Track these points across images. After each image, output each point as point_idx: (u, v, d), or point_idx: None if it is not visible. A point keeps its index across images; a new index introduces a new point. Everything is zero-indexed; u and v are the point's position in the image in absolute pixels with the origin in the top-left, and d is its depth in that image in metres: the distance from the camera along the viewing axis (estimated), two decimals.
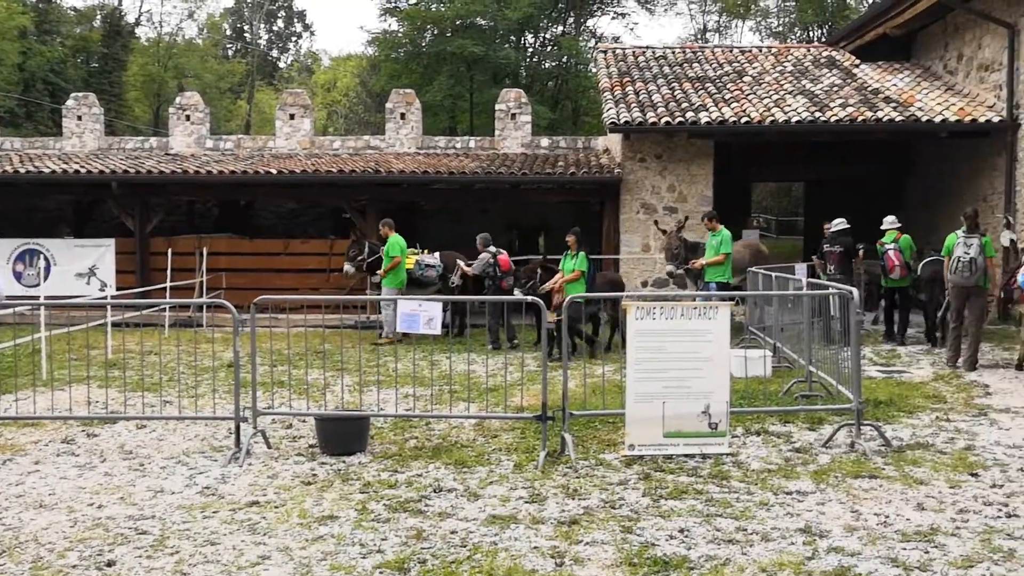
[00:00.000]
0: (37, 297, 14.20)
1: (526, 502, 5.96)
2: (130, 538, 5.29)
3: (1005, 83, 15.43)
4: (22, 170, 17.80)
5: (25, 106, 33.54)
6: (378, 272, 14.37)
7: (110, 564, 4.88)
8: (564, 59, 36.53)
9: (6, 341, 10.99)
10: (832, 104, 16.37)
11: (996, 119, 15.35)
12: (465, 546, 5.16)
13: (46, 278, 17.18)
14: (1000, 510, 5.74)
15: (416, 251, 15.18)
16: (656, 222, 14.78)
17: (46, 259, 17.56)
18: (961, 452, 7.18)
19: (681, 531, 5.38)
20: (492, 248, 13.84)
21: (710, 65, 19.27)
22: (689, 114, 16.01)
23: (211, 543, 5.21)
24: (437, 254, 14.93)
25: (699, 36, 44.10)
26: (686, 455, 6.97)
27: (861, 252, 14.29)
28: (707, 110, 16.19)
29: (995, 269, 12.46)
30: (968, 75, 16.94)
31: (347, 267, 15.08)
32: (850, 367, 7.71)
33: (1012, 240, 14.84)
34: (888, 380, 10.45)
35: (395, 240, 14.15)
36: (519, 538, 5.28)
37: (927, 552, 5.03)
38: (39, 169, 17.80)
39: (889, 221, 13.56)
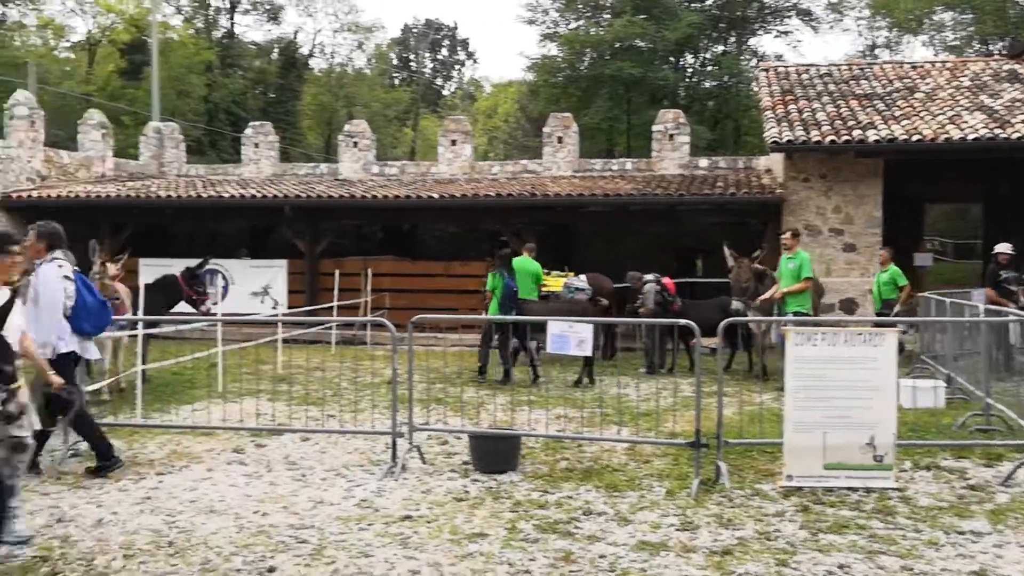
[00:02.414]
0: (215, 315, 15.07)
1: (677, 529, 5.83)
2: (290, 546, 5.52)
3: None
4: (205, 195, 19.03)
5: (209, 135, 35.91)
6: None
7: (271, 570, 5.10)
8: (725, 78, 35.94)
9: (187, 355, 11.73)
10: (1014, 120, 15.35)
11: None
12: (614, 571, 5.10)
13: (224, 296, 18.29)
14: None
15: (563, 274, 15.16)
16: (727, 245, 12.67)
17: (225, 278, 18.69)
18: None
19: (841, 567, 5.13)
20: (650, 275, 13.51)
21: (879, 81, 18.48)
22: (856, 132, 15.38)
23: (365, 555, 5.36)
24: (584, 276, 14.86)
25: (867, 53, 42.37)
26: (848, 488, 6.64)
27: None
28: (875, 128, 15.51)
29: None
30: None
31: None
32: None
33: None
34: None
35: (518, 264, 13.12)
36: (669, 566, 5.17)
37: None
38: (219, 194, 18.98)
39: None
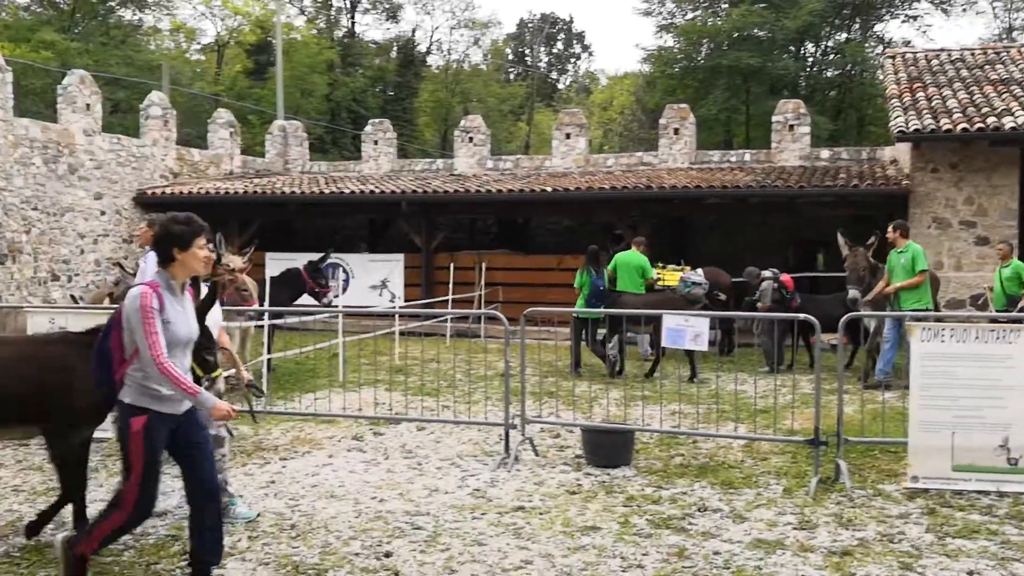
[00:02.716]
0: (337, 307, 15.50)
1: (795, 528, 5.70)
2: (406, 532, 5.64)
3: None
4: (327, 191, 19.59)
5: (331, 133, 36.92)
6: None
7: (387, 555, 5.23)
8: (848, 67, 34.72)
9: (310, 345, 12.12)
10: None
11: None
12: (728, 568, 5.02)
13: (345, 290, 18.81)
14: None
15: (679, 267, 14.95)
16: (840, 232, 11.97)
17: (345, 272, 19.21)
18: None
19: (969, 573, 4.92)
20: (768, 272, 13.20)
21: (1016, 66, 17.53)
22: (991, 119, 14.63)
23: (478, 543, 5.43)
24: (700, 270, 14.59)
25: (1003, 36, 40.22)
26: (979, 492, 6.35)
27: None
28: (1012, 115, 14.72)
29: None
30: None
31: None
32: None
33: None
34: None
35: (623, 258, 13.13)
36: (785, 564, 5.06)
37: None
38: (340, 190, 19.50)
39: None
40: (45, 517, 5.45)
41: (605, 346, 12.17)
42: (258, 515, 5.91)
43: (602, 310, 11.56)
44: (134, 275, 10.58)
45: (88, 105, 18.56)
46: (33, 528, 5.41)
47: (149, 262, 7.33)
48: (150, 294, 4.27)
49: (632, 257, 13.04)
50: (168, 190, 20.15)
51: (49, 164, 17.47)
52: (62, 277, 17.71)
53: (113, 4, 37.05)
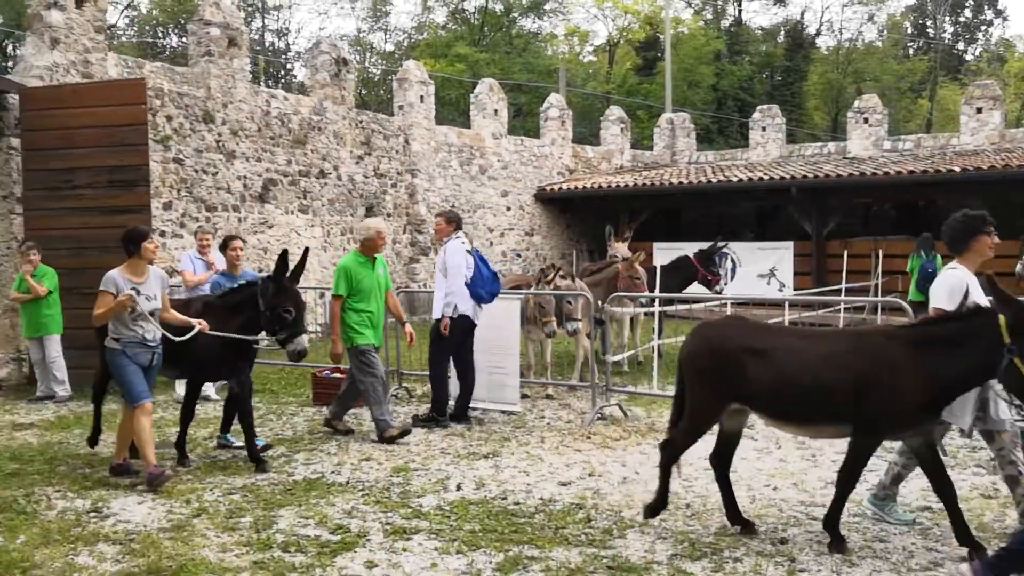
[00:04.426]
0: (725, 295, 15.53)
1: None
2: (802, 522, 5.58)
3: None
4: (714, 180, 19.65)
5: (717, 122, 36.84)
6: None
7: (783, 542, 5.21)
8: None
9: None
10: None
11: None
12: None
13: (732, 278, 18.76)
14: None
15: None
16: None
17: (733, 261, 19.16)
18: None
19: None
20: None
21: None
22: None
23: (880, 540, 5.23)
24: None
25: None
26: None
27: None
28: None
29: None
30: None
31: (1019, 267, 13.57)
32: None
33: None
34: None
35: None
36: None
37: None
38: (728, 178, 19.45)
39: None
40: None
41: None
42: (914, 520, 5.63)
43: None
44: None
45: (496, 111, 20.32)
46: None
47: (449, 252, 8.41)
48: None
49: None
50: (564, 186, 21.44)
51: (464, 166, 19.40)
52: None
53: (515, 15, 40.07)
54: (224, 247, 8.85)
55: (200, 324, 6.58)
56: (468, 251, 8.63)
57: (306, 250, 7.28)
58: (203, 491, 6.29)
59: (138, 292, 6.33)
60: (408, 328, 8.50)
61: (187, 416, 7.27)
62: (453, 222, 8.71)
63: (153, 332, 6.46)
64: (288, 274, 6.79)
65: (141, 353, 6.43)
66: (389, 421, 7.87)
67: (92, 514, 5.80)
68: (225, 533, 5.40)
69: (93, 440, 7.46)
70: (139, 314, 6.35)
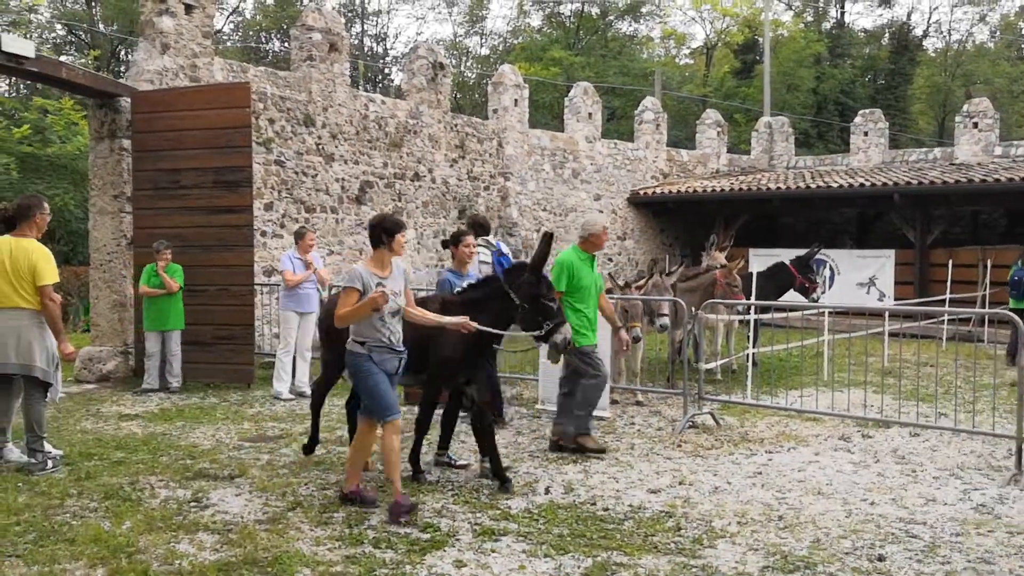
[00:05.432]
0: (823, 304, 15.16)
1: None
2: (900, 538, 5.40)
3: None
4: (812, 185, 19.20)
5: (817, 127, 35.97)
6: None
7: (881, 559, 5.05)
8: None
9: (795, 342, 12.03)
10: None
11: None
12: None
13: (831, 286, 18.31)
14: None
15: None
16: None
17: (831, 268, 18.68)
18: None
19: None
20: None
21: None
22: None
23: (985, 561, 5.03)
24: None
25: None
26: None
27: None
28: None
29: None
30: None
31: None
32: None
33: None
34: None
35: None
36: None
37: None
38: (827, 184, 18.98)
39: None
40: None
41: None
42: None
43: None
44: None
45: (590, 114, 20.27)
46: None
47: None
48: None
49: None
50: (658, 189, 21.24)
51: (556, 169, 19.41)
52: None
53: (612, 18, 39.90)
54: (455, 242, 8.02)
55: (464, 322, 5.96)
56: (483, 260, 8.68)
57: (549, 235, 6.49)
58: (298, 485, 6.44)
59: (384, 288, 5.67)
60: (623, 335, 8.15)
61: (423, 426, 6.71)
62: (476, 227, 8.93)
63: (399, 334, 5.82)
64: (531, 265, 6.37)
65: (389, 359, 5.73)
66: (591, 428, 7.71)
67: (192, 504, 6.00)
68: (319, 527, 5.52)
69: (309, 448, 7.18)
70: (392, 311, 5.71)
